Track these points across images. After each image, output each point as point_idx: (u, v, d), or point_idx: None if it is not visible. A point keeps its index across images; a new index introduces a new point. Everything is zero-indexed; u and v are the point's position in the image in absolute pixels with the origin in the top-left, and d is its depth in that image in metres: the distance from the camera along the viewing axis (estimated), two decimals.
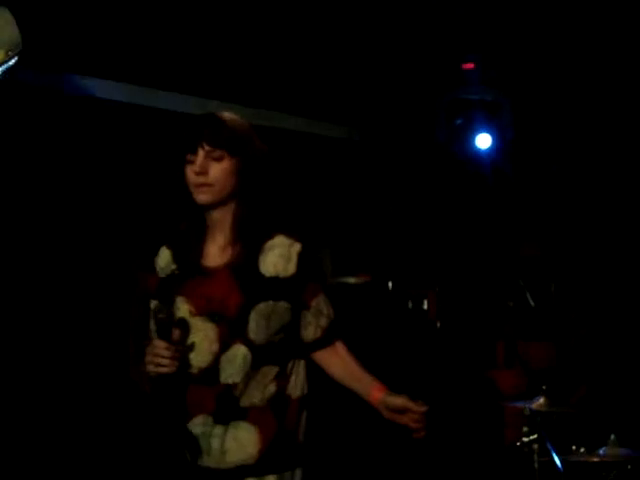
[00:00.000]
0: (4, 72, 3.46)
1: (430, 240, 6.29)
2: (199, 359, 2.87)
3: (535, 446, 4.35)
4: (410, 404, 2.87)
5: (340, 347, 3.02)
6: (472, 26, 5.43)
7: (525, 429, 4.36)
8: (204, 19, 4.99)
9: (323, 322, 2.98)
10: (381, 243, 6.15)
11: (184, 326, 2.86)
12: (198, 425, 2.89)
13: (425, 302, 5.93)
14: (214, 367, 2.86)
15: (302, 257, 2.92)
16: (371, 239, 6.13)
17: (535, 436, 4.33)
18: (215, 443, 2.87)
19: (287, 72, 5.50)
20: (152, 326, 2.98)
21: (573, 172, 6.32)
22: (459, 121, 5.97)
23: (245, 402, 2.87)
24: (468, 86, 5.84)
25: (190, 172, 2.90)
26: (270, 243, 2.92)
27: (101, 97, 4.86)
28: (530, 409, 4.39)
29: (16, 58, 3.46)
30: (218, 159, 2.89)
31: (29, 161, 4.49)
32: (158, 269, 3.03)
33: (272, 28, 5.20)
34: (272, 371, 2.90)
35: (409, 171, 6.30)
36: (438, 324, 5.97)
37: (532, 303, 5.54)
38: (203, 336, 2.87)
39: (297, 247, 2.92)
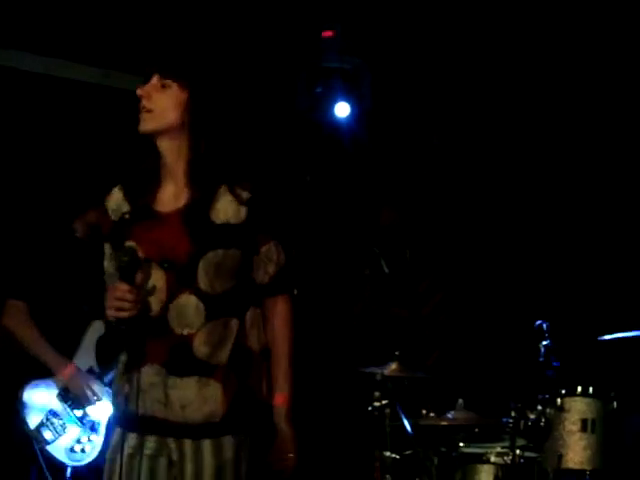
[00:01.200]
0: None
1: (289, 209, 6.30)
2: (149, 307, 2.81)
3: (387, 410, 4.45)
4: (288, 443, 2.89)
5: (282, 305, 2.97)
6: None
7: (377, 394, 4.45)
8: None
9: (271, 269, 2.94)
10: None
11: (147, 268, 2.80)
12: (150, 375, 2.81)
13: None
14: (162, 316, 2.80)
15: (252, 203, 2.89)
16: None
17: (386, 401, 4.43)
18: (172, 396, 2.81)
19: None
20: (108, 269, 2.91)
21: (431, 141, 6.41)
22: (319, 89, 5.97)
23: (201, 354, 2.80)
24: (327, 54, 5.84)
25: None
26: (222, 190, 2.88)
27: None
28: (382, 374, 4.47)
29: None
30: (165, 88, 2.85)
31: None
32: (110, 211, 2.96)
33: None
34: (231, 323, 2.85)
35: (270, 138, 6.29)
36: (295, 292, 6.00)
37: (387, 270, 5.60)
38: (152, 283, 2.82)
39: (247, 194, 2.89)
